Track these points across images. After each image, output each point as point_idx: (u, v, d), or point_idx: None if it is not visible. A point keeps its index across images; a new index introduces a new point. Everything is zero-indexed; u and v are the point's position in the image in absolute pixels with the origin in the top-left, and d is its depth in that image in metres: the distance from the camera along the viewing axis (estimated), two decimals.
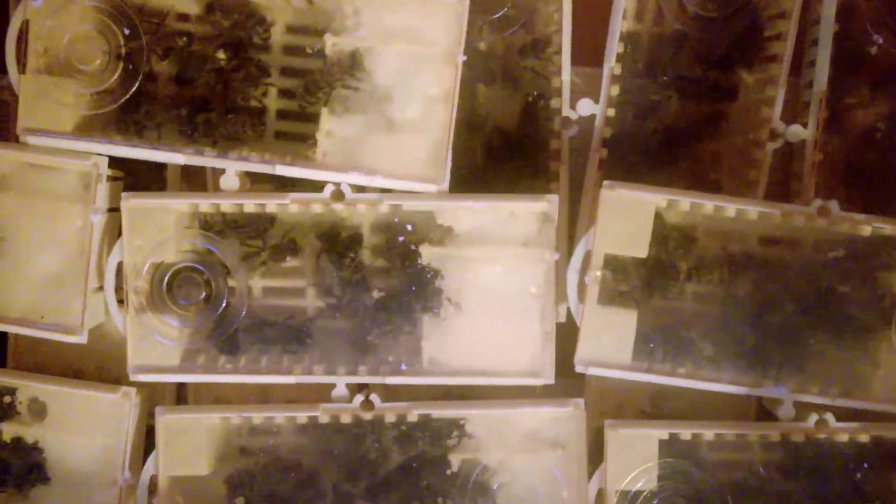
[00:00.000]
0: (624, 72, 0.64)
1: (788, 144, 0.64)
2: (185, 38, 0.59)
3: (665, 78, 0.64)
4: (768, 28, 0.64)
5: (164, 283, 0.60)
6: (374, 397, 0.60)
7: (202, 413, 0.62)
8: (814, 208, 0.60)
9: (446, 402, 0.61)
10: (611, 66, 0.63)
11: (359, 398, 0.61)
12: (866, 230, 0.60)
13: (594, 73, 0.65)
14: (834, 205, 0.60)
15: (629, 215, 0.59)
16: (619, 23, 0.62)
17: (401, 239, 0.60)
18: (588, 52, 0.65)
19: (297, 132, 0.61)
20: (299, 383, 0.61)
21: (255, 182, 0.65)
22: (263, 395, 0.67)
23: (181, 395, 0.69)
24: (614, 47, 0.63)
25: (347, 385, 0.61)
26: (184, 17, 0.61)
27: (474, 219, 0.60)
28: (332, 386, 0.61)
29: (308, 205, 0.60)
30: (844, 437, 0.61)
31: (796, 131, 0.63)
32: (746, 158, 0.65)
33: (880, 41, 0.63)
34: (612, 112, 0.64)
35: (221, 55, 0.58)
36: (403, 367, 0.61)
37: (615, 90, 0.64)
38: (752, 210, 0.59)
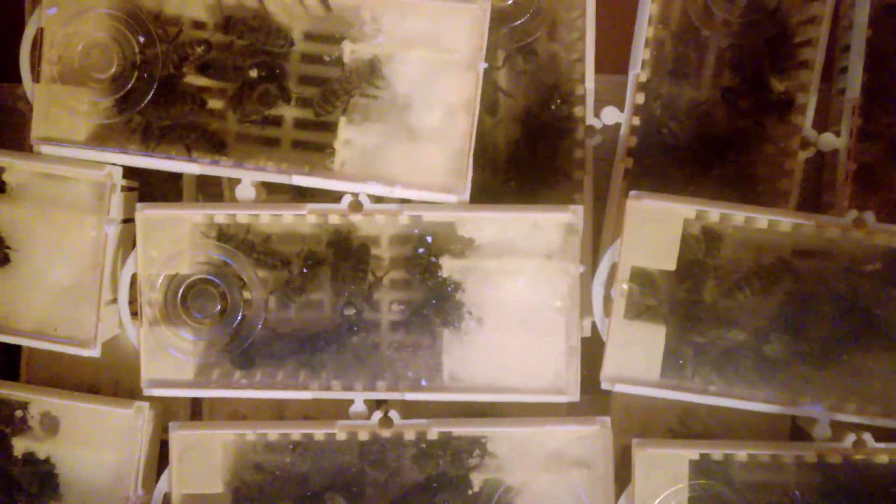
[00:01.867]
0: (650, 79, 0.63)
1: (821, 154, 0.62)
2: (203, 47, 0.59)
3: (692, 85, 0.63)
4: (798, 34, 0.62)
5: (179, 296, 0.59)
6: (393, 414, 0.59)
7: (216, 429, 0.61)
8: (849, 219, 0.58)
9: (467, 420, 0.60)
10: (636, 72, 0.62)
11: (377, 415, 0.59)
12: None
13: (619, 80, 0.63)
14: (870, 216, 0.58)
15: (657, 226, 0.57)
16: (645, 28, 0.61)
17: (420, 251, 0.59)
18: (612, 59, 0.64)
19: (314, 141, 0.60)
20: (316, 399, 0.60)
21: (272, 193, 0.64)
22: (280, 411, 0.66)
23: (196, 410, 0.68)
24: (640, 53, 0.62)
25: (365, 401, 0.60)
26: (200, 26, 0.60)
27: (496, 230, 0.59)
28: (350, 402, 0.60)
29: (325, 216, 0.59)
30: (884, 459, 0.58)
31: (829, 140, 0.61)
32: (777, 168, 0.63)
33: None
34: (637, 120, 0.63)
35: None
36: (423, 382, 0.59)
37: (640, 98, 0.62)
38: (785, 221, 0.58)
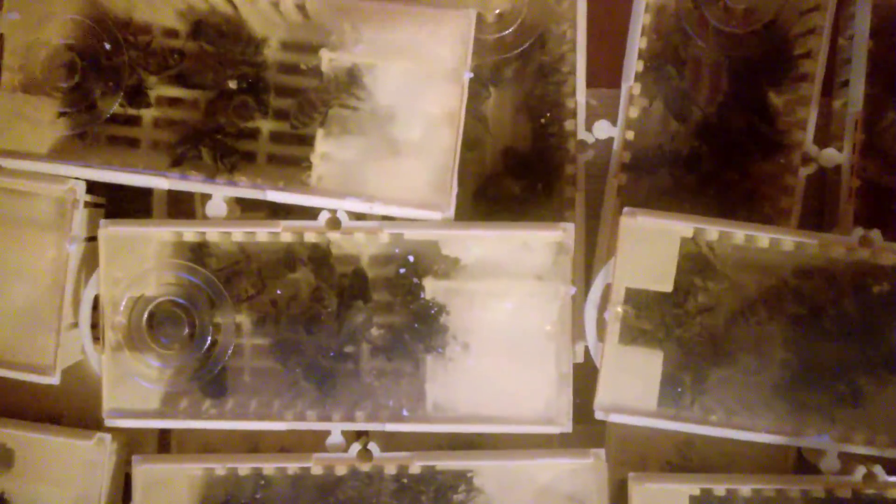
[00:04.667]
0: (643, 92, 0.60)
1: (822, 170, 0.60)
2: (176, 56, 0.57)
3: (687, 99, 0.61)
4: (798, 46, 0.60)
5: (144, 319, 0.56)
6: (372, 446, 0.56)
7: (182, 463, 0.58)
8: (855, 238, 0.56)
9: (452, 453, 0.58)
10: (629, 84, 0.60)
11: (355, 447, 0.56)
12: None
13: (611, 94, 0.62)
14: (876, 234, 0.56)
15: (652, 245, 0.55)
16: (638, 40, 0.59)
17: (402, 271, 0.57)
18: (604, 73, 0.62)
19: (290, 155, 0.57)
20: (293, 430, 0.57)
21: (246, 210, 0.61)
22: (254, 443, 0.63)
23: (165, 442, 0.64)
24: (633, 66, 0.60)
25: (343, 432, 0.57)
26: (173, 34, 0.57)
27: (483, 249, 0.57)
28: (327, 433, 0.57)
29: (301, 234, 0.56)
30: None
31: (831, 155, 0.59)
32: (778, 185, 0.61)
33: None
34: (631, 135, 0.60)
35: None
36: (405, 412, 0.57)
37: (634, 111, 0.60)
38: (788, 240, 0.55)
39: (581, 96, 0.60)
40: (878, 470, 0.55)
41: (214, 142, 0.56)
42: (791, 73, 0.60)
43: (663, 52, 0.61)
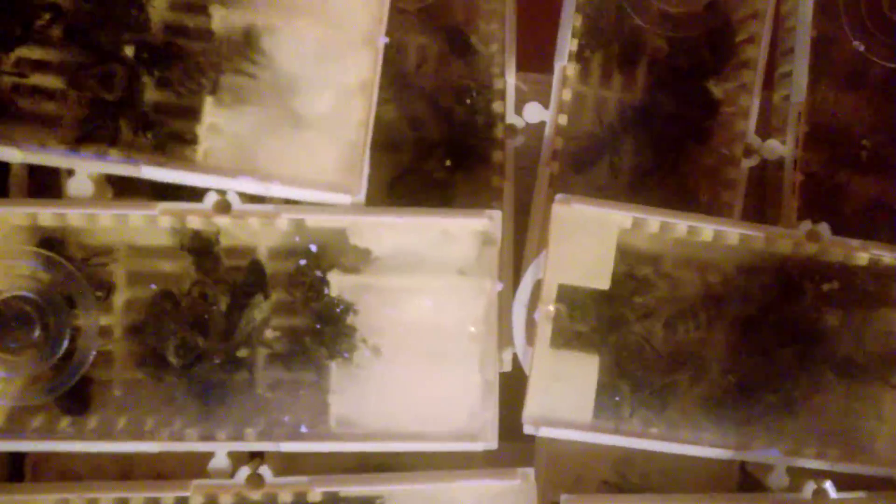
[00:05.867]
0: (578, 74, 0.57)
1: (762, 167, 0.58)
2: (48, 15, 0.49)
3: (624, 84, 0.58)
4: (740, 32, 0.58)
5: None
6: (263, 470, 0.50)
7: (28, 493, 0.50)
8: (802, 231, 0.53)
9: (359, 476, 0.52)
10: (563, 64, 0.56)
11: (244, 471, 0.50)
12: (863, 258, 0.54)
13: (542, 79, 0.58)
14: (824, 227, 0.53)
15: (588, 237, 0.51)
16: (572, 16, 0.56)
17: (303, 263, 0.51)
18: (537, 57, 0.59)
19: (173, 128, 0.50)
20: (167, 452, 0.50)
21: (122, 193, 0.53)
22: (126, 469, 0.55)
23: (18, 468, 0.56)
24: (566, 44, 0.56)
25: (230, 454, 0.51)
26: None
27: (398, 239, 0.52)
28: (211, 455, 0.50)
29: (183, 218, 0.49)
30: None
31: (773, 147, 0.57)
32: (719, 178, 0.58)
33: (862, 48, 0.58)
34: (563, 119, 0.57)
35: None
36: (304, 429, 0.51)
37: (567, 94, 0.57)
38: (732, 232, 0.52)
39: (511, 76, 0.56)
40: (828, 486, 0.52)
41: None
42: (733, 59, 0.58)
43: (599, 31, 0.57)
